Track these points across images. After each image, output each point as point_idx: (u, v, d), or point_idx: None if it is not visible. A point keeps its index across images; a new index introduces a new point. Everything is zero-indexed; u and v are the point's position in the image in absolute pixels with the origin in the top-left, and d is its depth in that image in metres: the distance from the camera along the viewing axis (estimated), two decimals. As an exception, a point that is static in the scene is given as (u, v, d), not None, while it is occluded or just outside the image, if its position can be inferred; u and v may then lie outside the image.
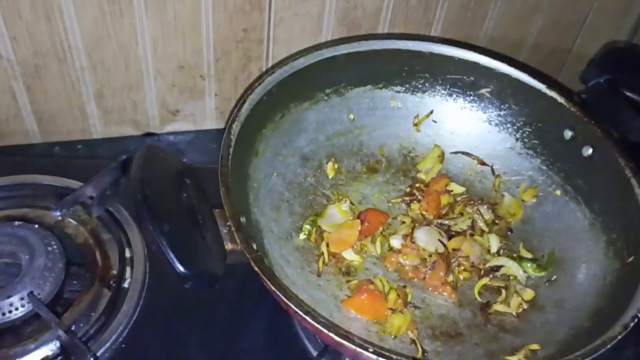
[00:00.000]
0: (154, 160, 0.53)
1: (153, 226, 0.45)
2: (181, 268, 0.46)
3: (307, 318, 0.49)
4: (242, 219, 0.57)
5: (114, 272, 0.69)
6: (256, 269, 0.51)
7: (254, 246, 0.55)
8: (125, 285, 0.68)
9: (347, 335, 0.48)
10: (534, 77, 0.73)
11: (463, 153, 0.78)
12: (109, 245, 0.72)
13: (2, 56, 0.76)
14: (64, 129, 0.88)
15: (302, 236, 0.67)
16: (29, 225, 0.69)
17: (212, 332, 0.66)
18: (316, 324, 0.49)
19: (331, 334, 0.48)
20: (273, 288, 0.50)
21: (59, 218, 0.72)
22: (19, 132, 0.86)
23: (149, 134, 0.92)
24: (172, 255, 0.46)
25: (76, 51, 0.78)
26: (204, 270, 0.49)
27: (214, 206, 0.57)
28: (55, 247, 0.68)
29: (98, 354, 0.61)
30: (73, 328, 0.63)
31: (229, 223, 0.54)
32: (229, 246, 0.55)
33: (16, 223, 0.69)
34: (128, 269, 0.69)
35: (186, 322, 0.66)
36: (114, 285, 0.67)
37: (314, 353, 0.62)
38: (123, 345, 0.63)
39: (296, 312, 0.49)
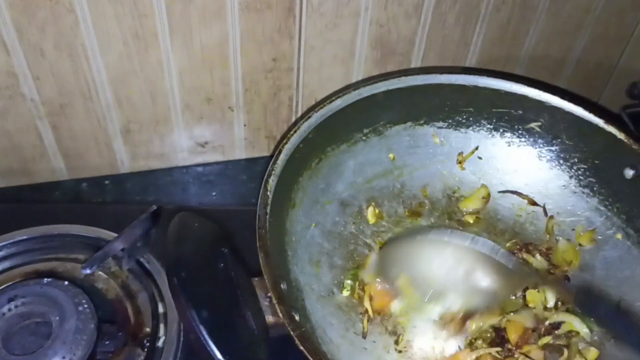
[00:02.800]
0: (189, 232, 0.49)
1: (191, 314, 0.42)
2: (222, 359, 0.42)
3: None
4: (283, 285, 0.54)
5: (147, 329, 0.66)
6: (301, 347, 0.47)
7: (297, 318, 0.51)
8: (160, 344, 0.65)
9: None
10: (590, 111, 0.68)
11: (512, 192, 0.73)
12: (140, 299, 0.69)
13: (25, 96, 0.74)
14: (91, 165, 0.86)
15: (344, 293, 0.63)
16: (59, 282, 0.66)
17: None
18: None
19: None
20: (321, 371, 0.46)
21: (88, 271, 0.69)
22: (45, 170, 0.84)
23: (177, 167, 0.90)
24: (213, 347, 0.42)
25: (101, 88, 0.76)
26: (247, 358, 0.46)
27: (252, 274, 0.54)
28: (86, 306, 0.64)
29: (134, 423, 0.58)
30: (108, 395, 0.60)
31: (269, 294, 0.50)
32: (270, 320, 0.51)
33: (45, 281, 0.66)
34: (162, 326, 0.66)
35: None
36: (147, 344, 0.64)
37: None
38: (159, 414, 0.60)
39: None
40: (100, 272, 0.70)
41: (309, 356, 0.47)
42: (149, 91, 0.78)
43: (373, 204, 0.72)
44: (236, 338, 0.46)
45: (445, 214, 0.73)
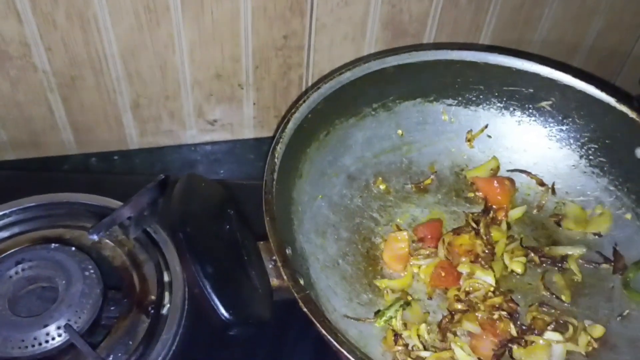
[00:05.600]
0: (195, 192, 0.49)
1: (196, 269, 0.42)
2: (226, 314, 0.42)
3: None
4: (288, 251, 0.53)
5: (152, 297, 0.66)
6: (305, 309, 0.47)
7: (302, 282, 0.51)
8: (164, 311, 0.65)
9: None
10: (602, 90, 0.67)
11: (520, 171, 0.73)
12: (146, 268, 0.69)
13: (37, 67, 0.75)
14: (100, 139, 0.86)
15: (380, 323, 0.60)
16: (66, 248, 0.67)
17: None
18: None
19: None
20: (323, 332, 0.46)
21: (96, 239, 0.69)
22: (55, 143, 0.84)
23: (186, 145, 0.90)
24: (217, 300, 0.42)
25: (112, 60, 0.76)
26: (251, 315, 0.46)
27: (258, 237, 0.53)
28: (92, 271, 0.65)
29: (136, 386, 0.59)
30: (111, 358, 0.60)
31: (274, 257, 0.50)
32: (274, 282, 0.51)
33: (52, 246, 0.67)
34: (167, 294, 0.66)
35: (227, 352, 0.63)
36: (152, 311, 0.64)
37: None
38: (163, 378, 0.60)
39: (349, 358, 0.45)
40: (107, 240, 0.71)
41: (312, 318, 0.47)
42: (159, 65, 0.78)
43: (380, 178, 0.71)
44: (240, 295, 0.46)
45: (453, 190, 0.72)
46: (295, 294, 0.48)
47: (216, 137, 0.91)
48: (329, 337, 0.46)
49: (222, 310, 0.42)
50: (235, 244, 0.49)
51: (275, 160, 0.58)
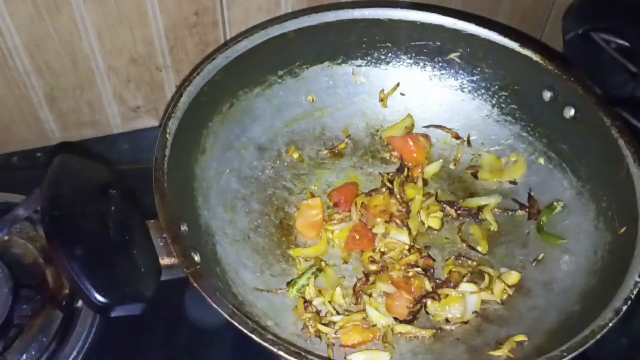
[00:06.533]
0: (69, 173, 0.47)
1: (63, 251, 0.40)
2: (98, 296, 0.40)
3: (254, 337, 0.44)
4: (183, 227, 0.52)
5: (66, 291, 0.64)
6: (195, 284, 0.46)
7: (197, 257, 0.50)
8: (79, 304, 0.63)
9: (298, 353, 0.43)
10: (505, 36, 0.66)
11: (436, 126, 0.72)
12: (60, 263, 0.66)
13: (-64, 68, 0.71)
14: (19, 137, 0.83)
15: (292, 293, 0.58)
16: (-29, 248, 0.64)
17: (175, 351, 0.61)
18: (265, 343, 0.44)
19: (281, 353, 0.43)
20: (214, 305, 0.45)
21: (5, 238, 0.67)
22: (-31, 145, 0.81)
23: (111, 135, 0.87)
24: (86, 283, 0.40)
25: (16, 53, 0.73)
26: (128, 294, 0.44)
27: (149, 217, 0.52)
28: (0, 270, 0.63)
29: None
30: (24, 357, 0.58)
31: (164, 235, 0.48)
32: (165, 260, 0.50)
33: (-44, 246, 0.64)
34: (81, 287, 0.64)
35: (147, 340, 0.61)
36: (66, 305, 0.62)
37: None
38: (79, 371, 0.59)
39: (244, 332, 0.44)
40: (17, 238, 0.68)
41: (202, 293, 0.46)
42: (68, 54, 0.75)
43: (293, 147, 0.69)
44: (115, 275, 0.44)
45: (368, 152, 0.71)
46: (185, 270, 0.46)
47: (143, 124, 0.88)
48: (220, 310, 0.45)
49: (93, 293, 0.40)
50: (117, 224, 0.47)
51: (167, 136, 0.56)
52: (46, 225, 0.41)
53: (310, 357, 0.43)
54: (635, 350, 0.64)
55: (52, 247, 0.40)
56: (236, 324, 0.44)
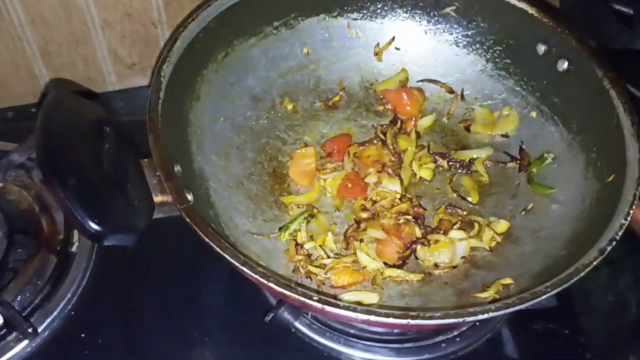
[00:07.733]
0: (64, 109, 0.47)
1: (56, 180, 0.40)
2: (92, 224, 0.41)
3: (245, 269, 0.45)
4: (177, 168, 0.52)
5: (61, 236, 0.65)
6: (187, 220, 0.46)
7: (189, 197, 0.50)
8: (73, 249, 0.64)
9: (288, 285, 0.43)
10: (502, -12, 0.66)
11: (430, 81, 0.72)
12: (54, 209, 0.67)
13: None
14: (14, 92, 0.83)
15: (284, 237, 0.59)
16: (-35, 194, 0.65)
17: (170, 292, 0.62)
18: (255, 275, 0.44)
19: (271, 284, 0.44)
20: (206, 240, 0.45)
21: (0, 185, 0.67)
22: (-35, 99, 0.81)
23: (105, 92, 0.87)
24: (80, 210, 0.41)
25: (11, 4, 0.72)
26: (121, 225, 0.45)
27: (142, 156, 0.52)
28: (-6, 216, 0.63)
29: (46, 322, 0.59)
30: (19, 298, 0.59)
31: (158, 173, 0.48)
32: (158, 198, 0.50)
33: (-49, 192, 0.65)
34: (75, 232, 0.65)
35: (141, 283, 0.63)
36: (60, 250, 0.63)
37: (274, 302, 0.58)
38: (72, 313, 0.60)
39: (235, 265, 0.45)
40: (11, 185, 0.69)
41: (195, 228, 0.47)
42: (63, 7, 0.75)
43: (287, 98, 0.70)
44: (107, 206, 0.45)
45: (362, 105, 0.71)
46: (178, 206, 0.47)
47: (138, 82, 0.88)
48: (212, 244, 0.46)
49: (87, 221, 0.41)
50: (111, 160, 0.47)
51: (162, 79, 0.56)
52: (40, 155, 0.41)
53: (299, 289, 0.44)
54: (621, 306, 0.65)
55: (46, 176, 0.41)
56: (228, 257, 0.45)
